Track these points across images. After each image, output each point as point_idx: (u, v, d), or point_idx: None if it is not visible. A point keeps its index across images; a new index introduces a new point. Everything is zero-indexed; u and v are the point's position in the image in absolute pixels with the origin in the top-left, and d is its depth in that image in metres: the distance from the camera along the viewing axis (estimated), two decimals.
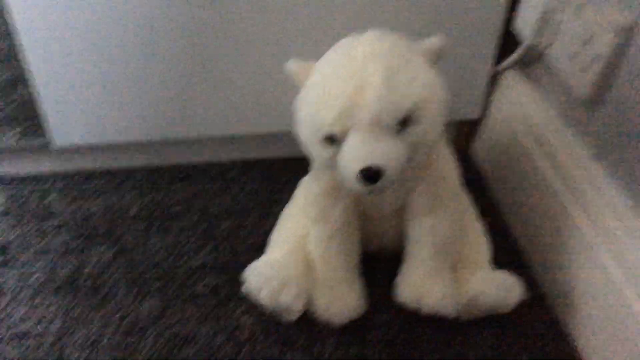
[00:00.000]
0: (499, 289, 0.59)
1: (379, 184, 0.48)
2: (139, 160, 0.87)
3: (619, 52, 0.55)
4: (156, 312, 0.65)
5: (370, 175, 0.47)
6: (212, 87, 0.75)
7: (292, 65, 0.54)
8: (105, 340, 0.62)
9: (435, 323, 0.61)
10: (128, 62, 0.72)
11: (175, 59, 0.72)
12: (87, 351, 0.61)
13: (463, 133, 0.87)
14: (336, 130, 0.48)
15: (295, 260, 0.62)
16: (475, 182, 0.82)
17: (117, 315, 0.65)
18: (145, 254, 0.72)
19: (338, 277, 0.61)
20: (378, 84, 0.46)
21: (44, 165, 0.85)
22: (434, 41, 0.51)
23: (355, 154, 0.48)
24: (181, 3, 0.67)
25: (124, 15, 0.68)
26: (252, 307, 0.64)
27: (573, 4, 0.61)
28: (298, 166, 0.84)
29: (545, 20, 0.66)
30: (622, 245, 0.55)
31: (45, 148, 0.81)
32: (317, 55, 0.53)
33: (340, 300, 0.61)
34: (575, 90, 0.62)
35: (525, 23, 0.69)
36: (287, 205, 0.70)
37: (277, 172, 0.85)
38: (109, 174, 0.85)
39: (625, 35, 0.54)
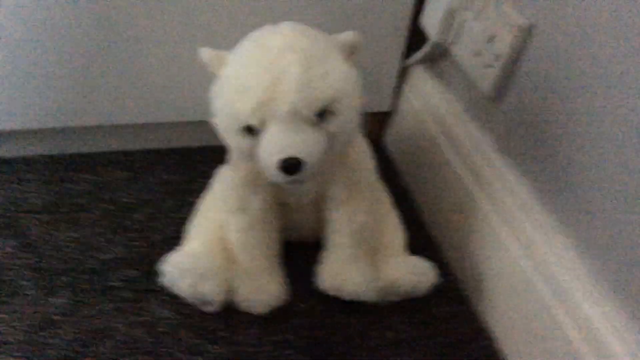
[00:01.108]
0: (414, 274, 0.62)
1: (299, 174, 0.49)
2: (39, 149, 0.82)
3: (518, 51, 0.60)
4: (68, 306, 0.63)
5: (291, 166, 0.48)
6: (119, 72, 0.72)
7: (205, 54, 0.52)
8: (15, 338, 0.59)
9: (355, 308, 0.64)
10: (24, 44, 0.68)
11: (78, 41, 0.69)
12: None
13: (375, 125, 0.90)
14: (254, 121, 0.48)
15: (215, 250, 0.62)
16: (388, 171, 0.85)
17: (26, 312, 0.62)
18: (52, 248, 0.69)
19: (258, 266, 0.62)
20: (295, 75, 0.47)
21: None
22: (348, 35, 0.52)
23: (275, 145, 0.48)
24: None
25: (22, 3, 0.64)
26: (171, 298, 0.63)
27: (476, 4, 0.65)
28: (212, 155, 0.83)
29: (449, 18, 0.69)
30: (523, 229, 0.60)
31: None
32: (227, 44, 0.52)
33: (262, 289, 0.61)
34: (479, 86, 0.66)
35: (431, 21, 0.72)
36: (203, 195, 0.69)
37: (190, 161, 0.83)
38: (6, 163, 0.80)
39: (524, 35, 0.59)
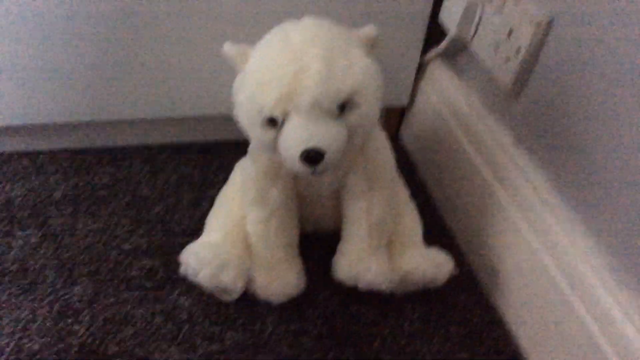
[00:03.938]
0: (431, 265, 0.63)
1: (320, 165, 0.49)
2: (62, 143, 0.83)
3: (538, 44, 0.60)
4: (89, 295, 0.64)
5: (312, 157, 0.49)
6: (140, 67, 0.74)
7: (229, 49, 0.53)
8: (36, 325, 0.61)
9: (371, 298, 0.64)
10: (49, 40, 0.69)
11: (100, 36, 0.70)
12: (18, 336, 0.59)
13: (393, 119, 0.90)
14: (276, 113, 0.49)
15: (234, 241, 0.63)
16: (405, 165, 0.86)
17: (48, 299, 0.63)
18: (74, 238, 0.70)
19: (277, 256, 0.62)
20: (318, 68, 0.47)
21: None
22: (369, 30, 0.53)
23: (297, 137, 0.49)
24: None
25: None
26: (190, 288, 0.64)
27: None
28: (232, 149, 0.84)
29: (469, 13, 0.69)
30: (542, 221, 0.60)
31: None
32: (250, 39, 0.53)
33: (280, 279, 0.62)
34: (498, 80, 0.66)
35: (450, 16, 0.72)
36: (223, 188, 0.70)
37: (210, 155, 0.84)
38: (30, 157, 0.81)
39: (543, 29, 0.59)
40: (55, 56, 0.70)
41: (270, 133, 0.51)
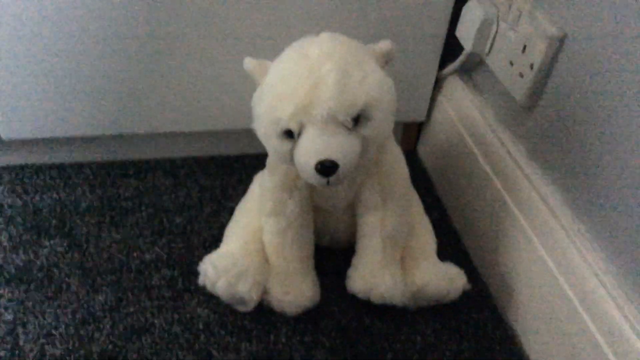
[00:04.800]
0: (444, 279, 0.63)
1: (334, 176, 0.50)
2: (89, 155, 0.86)
3: (552, 60, 0.61)
4: (111, 303, 0.66)
5: (327, 168, 0.50)
6: (165, 83, 0.76)
7: (249, 63, 0.55)
8: (59, 331, 0.63)
9: (384, 312, 0.65)
10: (79, 56, 0.72)
11: (127, 53, 0.72)
12: (42, 341, 0.61)
13: (410, 134, 0.91)
14: (293, 125, 0.50)
15: (251, 252, 0.64)
16: (421, 179, 0.86)
17: (72, 307, 0.65)
18: (98, 248, 0.72)
19: (293, 268, 0.64)
20: (333, 82, 0.49)
21: None
22: (383, 44, 0.54)
23: (312, 148, 0.50)
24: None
25: (74, 8, 0.67)
26: (208, 298, 0.66)
27: (510, 15, 0.66)
28: (250, 163, 0.86)
29: (484, 29, 0.70)
30: (554, 238, 0.60)
31: None
32: (270, 54, 0.55)
33: (295, 290, 0.63)
34: (513, 95, 0.67)
35: (466, 32, 0.73)
36: (241, 199, 0.72)
37: (230, 168, 0.86)
38: (58, 168, 0.84)
39: (557, 45, 0.59)
40: (84, 72, 0.73)
41: (286, 144, 0.52)
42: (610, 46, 0.53)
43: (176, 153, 0.88)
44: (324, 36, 0.53)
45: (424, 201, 0.73)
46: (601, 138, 0.55)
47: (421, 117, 0.86)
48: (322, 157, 0.50)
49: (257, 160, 0.73)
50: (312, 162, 0.50)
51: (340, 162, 0.50)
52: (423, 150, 0.91)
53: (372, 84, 0.51)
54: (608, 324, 0.52)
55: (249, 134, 0.56)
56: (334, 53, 0.51)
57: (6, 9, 0.66)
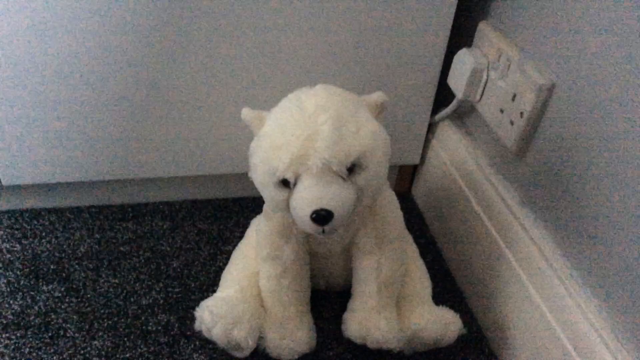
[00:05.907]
0: (440, 324, 0.63)
1: (329, 225, 0.51)
2: (87, 199, 0.87)
3: (541, 108, 0.62)
4: (107, 349, 0.66)
5: (322, 217, 0.51)
6: (163, 128, 0.77)
7: (247, 114, 0.57)
8: None
9: (381, 357, 0.65)
10: (76, 102, 0.73)
11: (124, 99, 0.74)
12: None
13: (405, 177, 0.92)
14: (289, 175, 0.51)
15: (247, 297, 0.64)
16: (416, 221, 0.87)
17: (68, 352, 0.65)
18: (95, 292, 0.73)
19: (289, 313, 0.64)
20: (328, 133, 0.50)
21: None
22: (377, 96, 0.56)
23: (308, 198, 0.51)
24: (132, 41, 0.69)
25: (71, 54, 0.69)
26: (204, 344, 0.66)
27: (499, 64, 0.68)
28: (248, 206, 0.87)
29: (474, 77, 0.72)
30: (548, 282, 0.61)
31: None
32: (267, 103, 0.57)
33: (291, 336, 0.63)
34: (503, 141, 0.68)
35: (458, 80, 0.75)
36: (238, 244, 0.72)
37: (227, 212, 0.87)
38: (57, 213, 0.85)
39: (545, 93, 0.61)
40: (82, 119, 0.74)
41: (282, 193, 0.53)
42: (598, 94, 0.55)
43: (174, 196, 0.89)
44: (319, 88, 0.55)
45: (418, 243, 0.73)
46: (592, 183, 0.56)
47: (415, 161, 0.88)
48: (318, 206, 0.50)
49: (254, 203, 0.74)
50: (308, 211, 0.51)
51: (335, 212, 0.51)
52: (417, 192, 0.92)
53: (366, 135, 0.52)
54: None
55: (247, 177, 0.57)
56: (329, 105, 0.52)
57: (3, 52, 0.68)
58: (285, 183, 0.53)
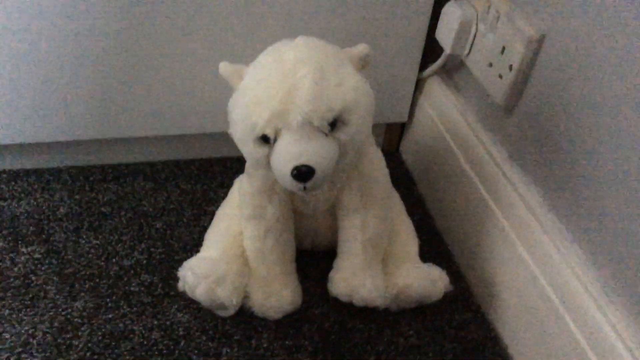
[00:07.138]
0: (426, 281, 0.63)
1: (311, 182, 0.50)
2: (67, 160, 0.85)
3: (530, 61, 0.61)
4: (89, 310, 0.65)
5: (303, 173, 0.49)
6: (143, 87, 0.75)
7: (224, 68, 0.55)
8: (37, 339, 0.62)
9: (367, 314, 0.64)
10: (54, 59, 0.71)
11: (103, 56, 0.71)
12: (19, 350, 0.60)
13: (392, 135, 0.91)
14: (269, 131, 0.50)
15: (231, 256, 0.63)
16: (404, 179, 0.86)
17: (49, 314, 0.64)
18: (76, 254, 0.71)
19: (274, 272, 0.63)
20: (308, 87, 0.48)
21: None
22: (360, 48, 0.54)
23: (288, 153, 0.50)
24: (108, 3, 0.67)
25: (48, 11, 0.66)
26: (188, 304, 0.65)
27: (488, 17, 0.66)
28: (231, 166, 0.86)
29: (463, 31, 0.70)
30: (535, 238, 0.60)
31: None
32: (247, 58, 0.55)
33: (277, 295, 0.63)
34: (492, 96, 0.67)
35: (446, 33, 0.73)
36: (221, 204, 0.71)
37: (210, 172, 0.85)
38: (36, 174, 0.83)
39: (535, 46, 0.60)
40: (60, 77, 0.72)
41: (263, 150, 0.52)
42: (588, 46, 0.53)
43: (156, 156, 0.87)
44: (300, 40, 0.53)
45: (406, 201, 0.73)
46: (581, 138, 0.55)
47: (403, 118, 0.86)
48: (298, 162, 0.49)
49: (238, 163, 0.72)
50: (288, 167, 0.49)
51: (316, 167, 0.49)
52: (405, 150, 0.91)
53: (348, 89, 0.50)
54: (588, 324, 0.53)
55: (230, 137, 0.56)
56: (309, 57, 0.50)
57: None
58: (265, 139, 0.51)
